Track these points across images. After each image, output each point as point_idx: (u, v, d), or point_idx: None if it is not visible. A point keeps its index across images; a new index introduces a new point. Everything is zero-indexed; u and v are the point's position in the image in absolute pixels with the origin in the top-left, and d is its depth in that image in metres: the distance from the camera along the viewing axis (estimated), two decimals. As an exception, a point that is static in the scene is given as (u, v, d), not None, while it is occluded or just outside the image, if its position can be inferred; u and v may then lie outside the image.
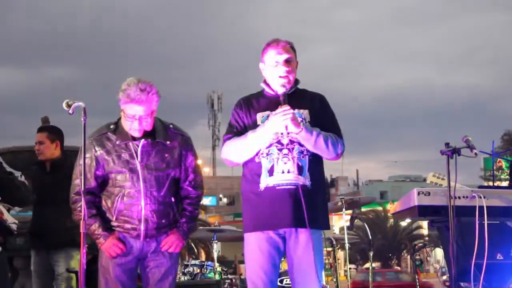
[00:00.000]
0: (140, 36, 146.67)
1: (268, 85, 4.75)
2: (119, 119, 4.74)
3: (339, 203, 6.94)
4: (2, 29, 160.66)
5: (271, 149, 4.60)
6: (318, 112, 4.74)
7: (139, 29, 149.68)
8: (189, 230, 4.84)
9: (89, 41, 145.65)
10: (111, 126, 4.74)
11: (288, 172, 4.59)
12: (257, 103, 4.74)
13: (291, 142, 4.61)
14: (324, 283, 5.76)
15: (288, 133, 4.57)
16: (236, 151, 4.65)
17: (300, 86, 4.81)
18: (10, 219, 5.24)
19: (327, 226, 4.80)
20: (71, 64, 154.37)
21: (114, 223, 4.69)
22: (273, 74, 4.69)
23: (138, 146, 4.69)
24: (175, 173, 4.79)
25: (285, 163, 4.60)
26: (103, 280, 4.68)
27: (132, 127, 4.65)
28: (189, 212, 4.84)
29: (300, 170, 4.61)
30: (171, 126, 4.84)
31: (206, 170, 72.64)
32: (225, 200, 71.08)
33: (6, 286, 5.35)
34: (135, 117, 4.62)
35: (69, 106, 4.31)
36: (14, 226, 5.25)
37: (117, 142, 4.68)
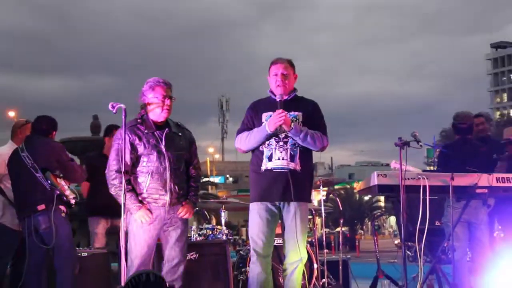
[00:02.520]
0: (168, 53, 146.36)
1: (272, 92, 4.82)
2: (142, 116, 4.76)
3: (318, 183, 6.96)
4: (59, 45, 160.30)
5: (270, 141, 4.68)
6: (310, 115, 4.79)
7: (167, 48, 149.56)
8: (196, 201, 4.90)
9: (129, 57, 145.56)
10: (138, 120, 4.75)
11: (283, 159, 4.65)
12: (263, 106, 4.81)
13: (286, 136, 4.67)
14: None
15: (283, 130, 4.62)
16: (245, 142, 4.73)
17: (299, 95, 4.87)
18: (71, 194, 5.25)
19: (310, 200, 4.88)
20: (114, 73, 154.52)
21: (144, 195, 4.66)
22: (273, 84, 4.77)
23: (162, 135, 4.72)
24: (186, 156, 4.84)
25: (281, 152, 4.66)
26: (133, 243, 4.65)
27: (164, 107, 4.70)
28: (194, 188, 4.87)
29: (291, 158, 4.66)
30: (179, 123, 4.92)
31: (217, 156, 72.44)
32: (231, 179, 70.82)
33: (72, 240, 5.38)
34: (165, 97, 4.69)
35: (113, 107, 4.38)
36: (73, 201, 5.26)
37: (146, 131, 4.70)
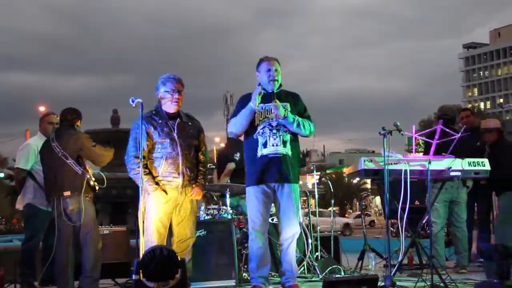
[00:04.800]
0: (179, 56, 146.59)
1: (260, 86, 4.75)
2: (157, 108, 4.76)
3: (312, 167, 6.94)
4: (82, 48, 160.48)
5: (264, 130, 4.65)
6: (296, 105, 4.78)
7: (179, 52, 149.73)
8: (205, 183, 4.89)
9: (144, 58, 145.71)
10: (153, 111, 4.77)
11: (277, 145, 4.63)
12: None
13: (278, 125, 4.66)
14: (300, 220, 5.77)
15: (277, 118, 4.62)
16: (235, 123, 4.69)
17: (283, 88, 4.84)
18: (95, 181, 5.25)
19: (298, 181, 4.85)
20: (131, 72, 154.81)
21: (159, 178, 4.66)
22: (266, 78, 4.72)
23: (174, 124, 4.71)
24: (195, 143, 4.83)
25: (274, 139, 4.64)
26: (148, 218, 4.65)
27: (173, 100, 4.69)
28: (203, 172, 4.87)
29: (284, 144, 4.65)
30: (189, 113, 4.91)
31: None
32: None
33: (95, 219, 5.36)
34: (174, 91, 4.68)
35: (132, 101, 4.41)
36: (97, 186, 5.26)
37: (160, 121, 4.70)
